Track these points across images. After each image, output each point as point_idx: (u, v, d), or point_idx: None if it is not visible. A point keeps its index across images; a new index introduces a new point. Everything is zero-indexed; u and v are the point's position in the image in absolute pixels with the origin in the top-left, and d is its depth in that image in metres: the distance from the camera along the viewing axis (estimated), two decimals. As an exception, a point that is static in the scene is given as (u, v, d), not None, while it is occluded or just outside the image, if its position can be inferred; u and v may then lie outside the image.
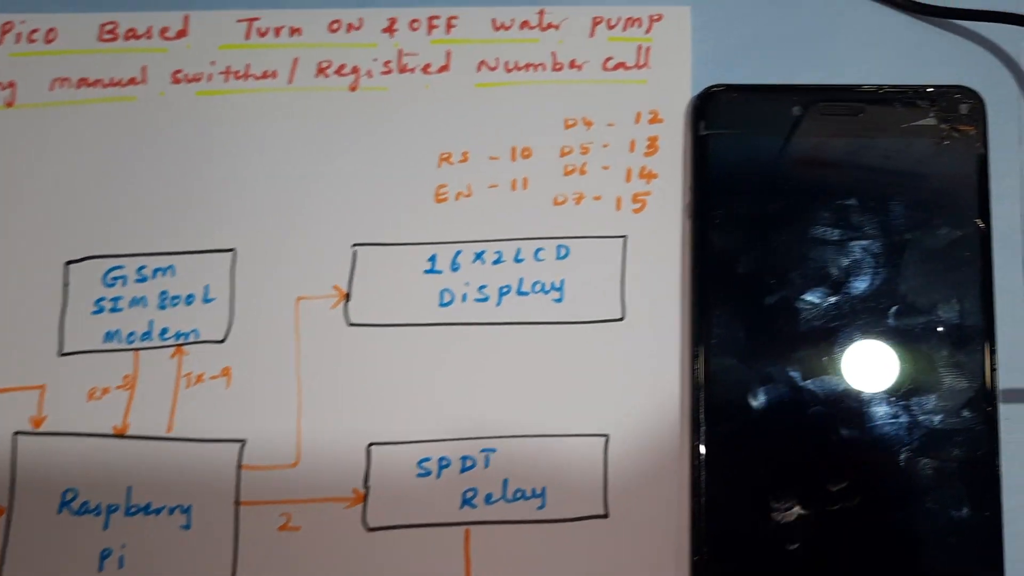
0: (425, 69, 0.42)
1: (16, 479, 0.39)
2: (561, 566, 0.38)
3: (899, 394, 0.38)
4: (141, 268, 0.41)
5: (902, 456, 0.38)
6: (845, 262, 0.39)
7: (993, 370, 0.38)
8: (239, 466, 0.39)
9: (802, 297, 0.39)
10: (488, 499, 0.39)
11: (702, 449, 0.38)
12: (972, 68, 0.41)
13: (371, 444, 0.39)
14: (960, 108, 0.39)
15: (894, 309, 0.38)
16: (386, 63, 0.42)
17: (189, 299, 0.40)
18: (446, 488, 0.39)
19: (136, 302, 0.40)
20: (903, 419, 0.38)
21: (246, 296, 0.40)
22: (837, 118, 0.40)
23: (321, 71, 0.42)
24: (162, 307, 0.40)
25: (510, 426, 0.39)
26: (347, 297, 0.40)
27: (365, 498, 0.39)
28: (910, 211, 0.39)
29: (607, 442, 0.39)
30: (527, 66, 0.42)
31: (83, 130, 0.41)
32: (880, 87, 0.40)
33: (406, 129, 0.41)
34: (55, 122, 0.42)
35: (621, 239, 0.41)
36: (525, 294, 0.40)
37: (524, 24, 0.42)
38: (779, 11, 0.42)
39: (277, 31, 0.42)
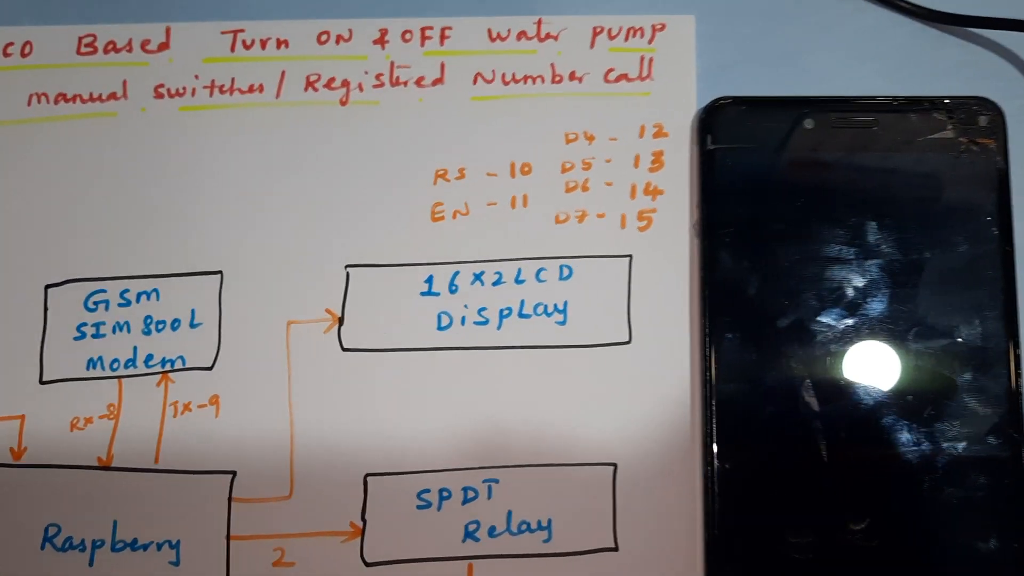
0: (419, 82, 0.41)
1: (-4, 514, 0.38)
2: (568, 601, 0.38)
3: (920, 420, 0.37)
4: (124, 292, 0.40)
5: (924, 485, 0.37)
6: (861, 282, 0.38)
7: (1019, 394, 0.37)
8: (230, 499, 0.38)
9: (816, 319, 0.38)
10: (492, 532, 0.38)
11: (715, 479, 0.37)
12: (988, 78, 0.41)
13: (368, 475, 0.38)
14: (979, 120, 0.39)
15: (913, 331, 0.37)
16: (378, 76, 0.41)
17: (175, 324, 0.40)
18: (447, 520, 0.38)
19: (119, 327, 0.40)
20: (925, 446, 0.37)
21: (234, 320, 0.40)
22: (850, 131, 0.39)
23: (310, 85, 0.41)
24: (147, 332, 0.39)
25: (514, 455, 0.38)
26: (340, 321, 0.39)
27: (363, 531, 0.38)
28: (928, 228, 0.38)
29: (615, 471, 0.38)
30: (525, 78, 0.41)
31: (62, 147, 0.41)
32: (895, 98, 0.39)
33: (400, 145, 0.40)
34: (32, 139, 0.41)
35: (626, 258, 0.40)
36: (527, 316, 0.39)
37: (521, 35, 0.41)
38: (786, 20, 0.41)
39: (263, 43, 0.41)
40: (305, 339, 0.39)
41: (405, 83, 0.41)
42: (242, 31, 0.41)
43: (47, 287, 0.40)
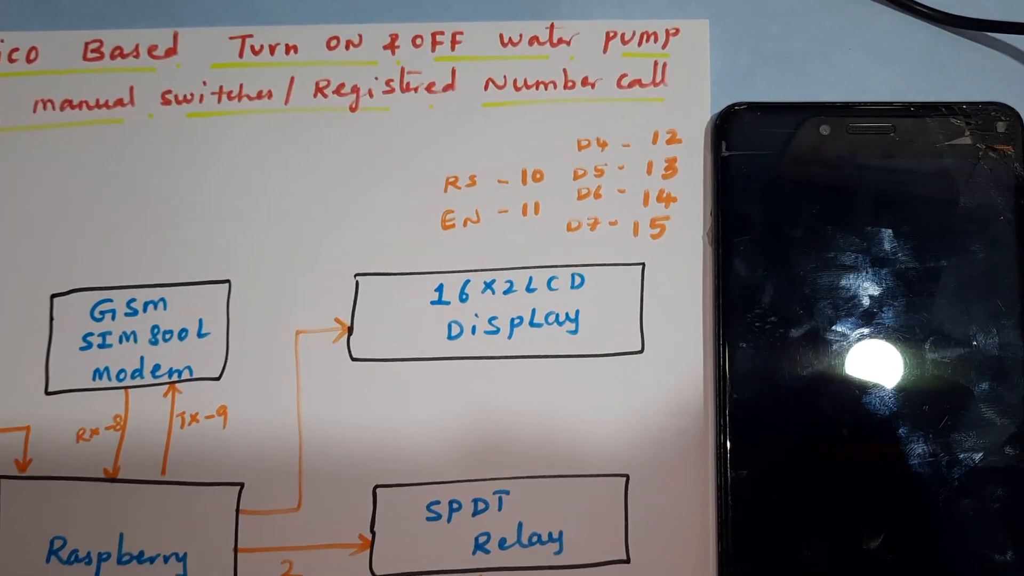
0: (429, 88, 0.41)
1: (1, 526, 0.38)
2: (581, 614, 0.37)
3: (936, 430, 0.36)
4: (131, 301, 0.39)
5: (941, 497, 0.36)
6: (876, 290, 0.37)
7: (1037, 404, 0.37)
8: (237, 511, 0.38)
9: (832, 328, 0.37)
10: (502, 544, 0.38)
11: (729, 490, 0.36)
12: (1006, 82, 0.40)
13: (377, 486, 0.38)
14: (996, 125, 0.38)
15: (930, 340, 0.37)
16: (388, 82, 0.41)
17: (182, 334, 0.39)
18: (457, 532, 0.38)
19: (126, 337, 0.39)
20: (941, 457, 0.36)
21: (242, 330, 0.39)
22: (866, 137, 0.38)
23: (319, 91, 0.41)
24: (154, 342, 0.39)
25: (524, 466, 0.38)
26: (349, 330, 0.39)
27: (372, 544, 0.38)
28: (945, 236, 0.38)
29: (627, 482, 0.38)
30: (537, 84, 0.40)
31: (68, 155, 0.40)
32: (911, 104, 0.39)
33: (410, 152, 0.40)
34: (38, 147, 0.40)
35: (639, 266, 0.39)
36: (538, 326, 0.39)
37: (533, 39, 0.41)
38: (801, 24, 0.41)
39: (272, 49, 0.41)
40: (314, 349, 0.39)
41: (416, 89, 0.41)
42: (251, 36, 0.41)
43: (53, 296, 0.39)
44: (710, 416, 0.38)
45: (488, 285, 0.39)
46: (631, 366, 0.39)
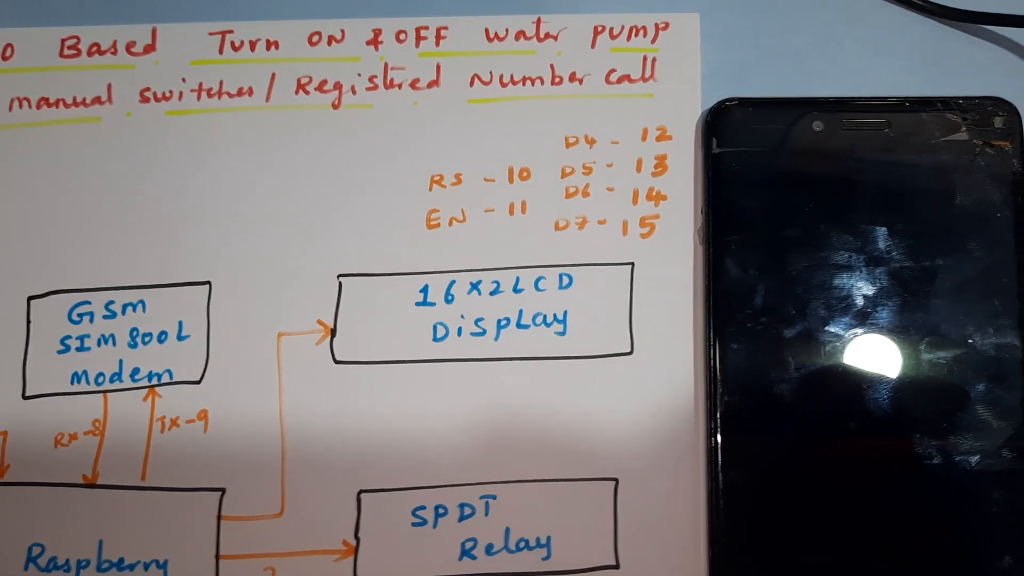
0: (413, 84, 0.40)
1: (-22, 534, 0.38)
2: (569, 621, 0.37)
3: (932, 433, 0.36)
4: (109, 303, 0.39)
5: (937, 501, 0.36)
6: (871, 290, 0.37)
7: (1035, 406, 0.36)
8: (219, 517, 0.38)
9: (825, 328, 0.37)
10: (489, 549, 0.37)
11: (720, 494, 0.36)
12: (1003, 78, 0.40)
13: (361, 491, 0.38)
14: (994, 121, 0.38)
15: (925, 341, 0.36)
16: (371, 78, 0.40)
17: (162, 336, 0.39)
18: (443, 538, 0.37)
19: (105, 340, 0.39)
20: (937, 460, 0.36)
21: (223, 332, 0.39)
22: (861, 133, 0.38)
23: (301, 88, 0.40)
24: (133, 345, 0.39)
25: (511, 470, 0.38)
26: (333, 332, 0.39)
27: (356, 550, 0.37)
28: (941, 234, 0.37)
29: (616, 486, 0.38)
30: (524, 80, 0.40)
31: (44, 154, 0.40)
32: (907, 99, 0.38)
33: (394, 150, 0.40)
34: (14, 145, 0.40)
35: (628, 266, 0.39)
36: (525, 327, 0.39)
37: (520, 34, 0.40)
38: (793, 17, 0.41)
39: (252, 45, 0.40)
40: (296, 351, 0.39)
41: (400, 85, 0.40)
42: (231, 32, 0.41)
43: (30, 299, 0.39)
44: (701, 419, 0.37)
45: (474, 286, 0.39)
46: (620, 368, 0.38)
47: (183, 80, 0.40)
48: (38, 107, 0.40)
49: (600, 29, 0.40)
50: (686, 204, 0.39)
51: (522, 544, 0.37)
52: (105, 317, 0.39)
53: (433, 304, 0.39)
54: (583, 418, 0.38)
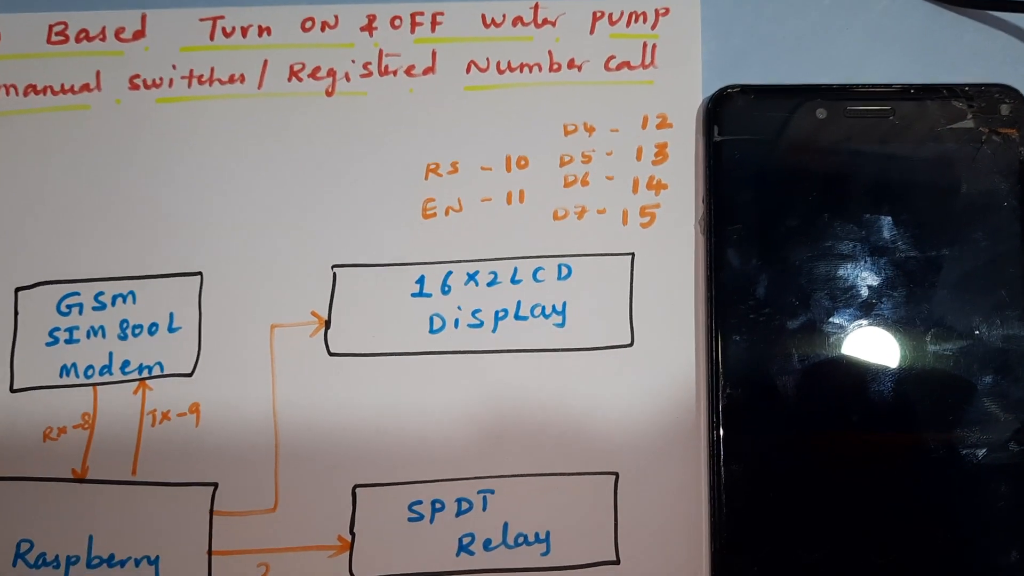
0: (409, 71, 0.40)
1: (-34, 529, 0.37)
2: (568, 618, 0.37)
3: (938, 426, 0.36)
4: (99, 295, 0.39)
5: (942, 494, 0.35)
6: (875, 281, 0.37)
7: (1043, 399, 0.36)
8: (211, 512, 0.38)
9: (829, 320, 0.36)
10: (487, 545, 0.37)
11: (721, 489, 0.36)
12: (1009, 65, 0.39)
13: (357, 486, 0.38)
14: (1000, 108, 0.37)
15: (931, 333, 0.36)
16: (365, 65, 0.40)
17: (152, 328, 0.39)
18: (440, 533, 0.37)
19: (94, 332, 0.39)
20: (943, 453, 0.36)
21: (215, 324, 0.39)
22: (865, 120, 0.38)
23: (294, 75, 0.40)
24: (123, 337, 0.39)
25: (510, 464, 0.38)
26: (327, 324, 0.38)
27: (351, 545, 0.37)
28: (946, 223, 0.37)
29: (617, 481, 0.37)
30: (521, 66, 0.40)
31: (32, 142, 0.40)
32: (912, 86, 0.38)
33: (389, 138, 0.39)
34: (1, 133, 0.40)
35: (628, 256, 0.39)
36: (523, 318, 0.38)
37: (517, 20, 0.40)
38: (796, 3, 0.40)
39: (244, 31, 0.40)
40: (290, 343, 0.38)
41: (394, 72, 0.40)
42: (222, 18, 0.40)
43: (17, 290, 0.39)
44: (702, 411, 0.37)
45: (471, 276, 0.39)
46: (620, 360, 0.38)
47: (173, 67, 0.40)
48: (25, 94, 0.40)
49: (599, 15, 0.40)
50: (687, 193, 0.39)
51: (521, 539, 0.37)
52: (94, 309, 0.39)
53: (429, 295, 0.39)
54: (583, 411, 0.38)
